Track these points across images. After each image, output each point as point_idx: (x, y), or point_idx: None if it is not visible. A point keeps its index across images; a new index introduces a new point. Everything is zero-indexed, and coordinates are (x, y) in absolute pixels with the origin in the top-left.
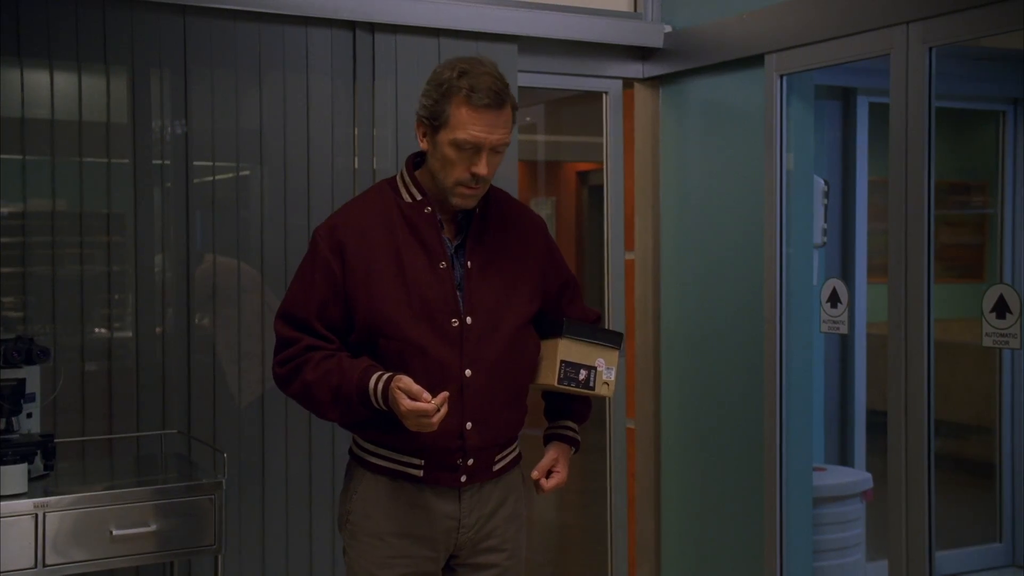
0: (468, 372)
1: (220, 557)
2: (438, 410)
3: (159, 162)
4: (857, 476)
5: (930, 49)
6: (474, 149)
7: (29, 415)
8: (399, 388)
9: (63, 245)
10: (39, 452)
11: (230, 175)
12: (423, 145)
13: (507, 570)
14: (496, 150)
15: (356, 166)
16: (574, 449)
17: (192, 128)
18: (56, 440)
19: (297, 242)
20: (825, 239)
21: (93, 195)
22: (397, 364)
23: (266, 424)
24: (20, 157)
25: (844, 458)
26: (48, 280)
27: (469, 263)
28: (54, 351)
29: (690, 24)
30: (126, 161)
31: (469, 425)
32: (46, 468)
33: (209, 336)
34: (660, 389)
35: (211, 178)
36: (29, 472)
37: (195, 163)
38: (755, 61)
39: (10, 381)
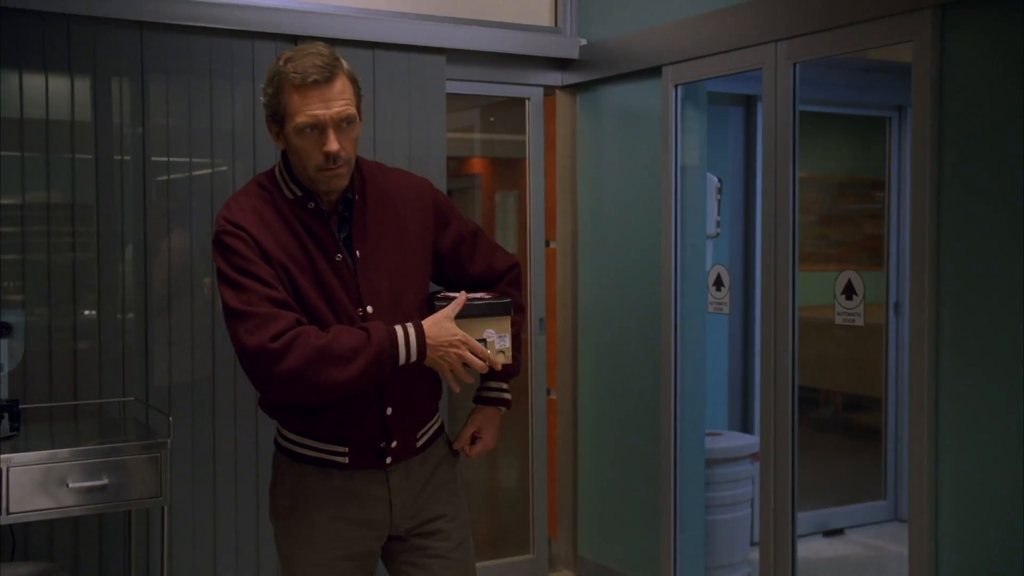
0: None
1: (166, 508)
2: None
3: (119, 158)
4: (747, 440)
5: (794, 64)
6: (318, 129)
7: None
8: (464, 342)
9: (32, 235)
10: (5, 415)
11: (183, 173)
12: (279, 145)
13: (451, 532)
14: (343, 124)
15: None
16: (504, 408)
17: (149, 128)
18: (22, 406)
19: None
20: (718, 230)
21: (59, 188)
22: None
23: (216, 393)
24: None
25: (746, 425)
26: (18, 265)
27: (358, 252)
28: (25, 329)
29: (603, 38)
30: (89, 157)
31: (389, 410)
32: (12, 429)
33: (165, 315)
34: (578, 363)
35: (166, 177)
36: None
37: (152, 159)
38: (655, 72)
39: None
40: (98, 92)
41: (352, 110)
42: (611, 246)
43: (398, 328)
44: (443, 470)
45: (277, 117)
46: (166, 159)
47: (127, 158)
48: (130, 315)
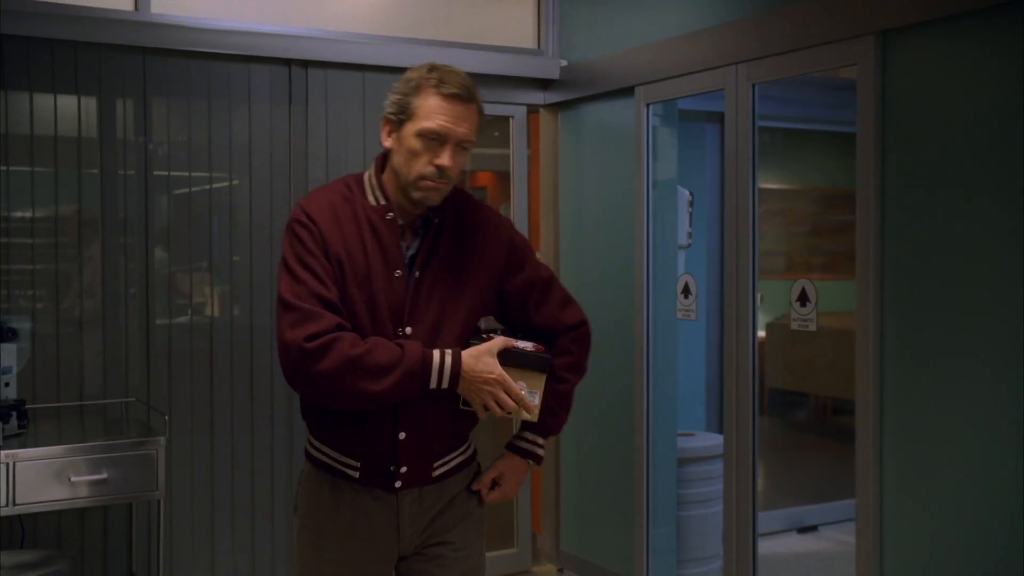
0: None
1: (162, 500)
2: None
3: (123, 172)
4: (719, 440)
5: (753, 85)
6: (439, 140)
7: (7, 384)
8: (500, 381)
9: (40, 246)
10: (13, 414)
11: (184, 187)
12: (387, 144)
13: (453, 562)
14: (461, 146)
15: (291, 175)
16: (534, 462)
17: (151, 145)
18: (31, 406)
19: (240, 236)
20: (690, 241)
21: (67, 201)
22: None
23: (214, 395)
24: (4, 168)
25: (722, 426)
26: (29, 274)
27: (418, 274)
28: (33, 334)
29: (581, 59)
30: (95, 171)
31: (403, 435)
32: (20, 427)
33: (166, 318)
34: None
35: (166, 190)
36: (4, 430)
37: (155, 173)
38: (628, 91)
39: None
40: (103, 112)
41: (474, 137)
42: (590, 254)
43: (436, 353)
44: (462, 502)
45: (401, 116)
46: (167, 174)
47: (131, 172)
48: (133, 321)
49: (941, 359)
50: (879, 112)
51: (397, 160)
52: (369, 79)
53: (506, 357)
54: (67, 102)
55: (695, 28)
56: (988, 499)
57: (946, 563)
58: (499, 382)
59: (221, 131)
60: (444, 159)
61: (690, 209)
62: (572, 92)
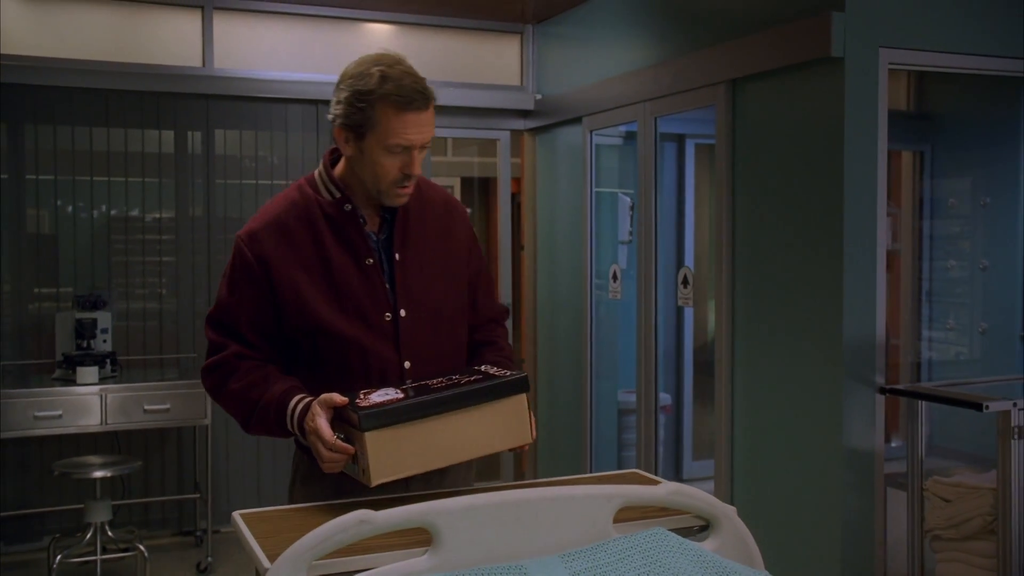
0: (407, 364)
1: (209, 426)
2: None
3: (191, 181)
4: (659, 397)
5: (655, 118)
6: (406, 151)
7: (104, 340)
8: (314, 431)
9: (131, 242)
10: (108, 360)
11: (237, 193)
12: (347, 152)
13: None
14: (424, 147)
15: None
16: None
17: (213, 161)
18: (123, 357)
19: None
20: (631, 238)
21: (151, 206)
22: (338, 362)
23: None
24: (106, 178)
25: (679, 386)
26: (123, 264)
27: (397, 256)
28: (127, 307)
29: (551, 94)
30: (171, 181)
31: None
32: (112, 371)
33: None
34: (537, 334)
35: (224, 195)
36: (100, 372)
37: (216, 181)
38: (578, 120)
39: (87, 319)
40: (177, 139)
41: (433, 133)
42: (557, 249)
43: (294, 399)
44: (463, 483)
45: (360, 129)
46: (224, 182)
47: (198, 181)
48: (199, 299)
49: (777, 331)
50: (731, 137)
51: (361, 170)
52: None
53: (338, 413)
54: (151, 132)
55: (620, 72)
56: (811, 442)
57: (781, 491)
58: (314, 431)
59: (265, 151)
60: (415, 168)
61: (631, 213)
62: (544, 120)
